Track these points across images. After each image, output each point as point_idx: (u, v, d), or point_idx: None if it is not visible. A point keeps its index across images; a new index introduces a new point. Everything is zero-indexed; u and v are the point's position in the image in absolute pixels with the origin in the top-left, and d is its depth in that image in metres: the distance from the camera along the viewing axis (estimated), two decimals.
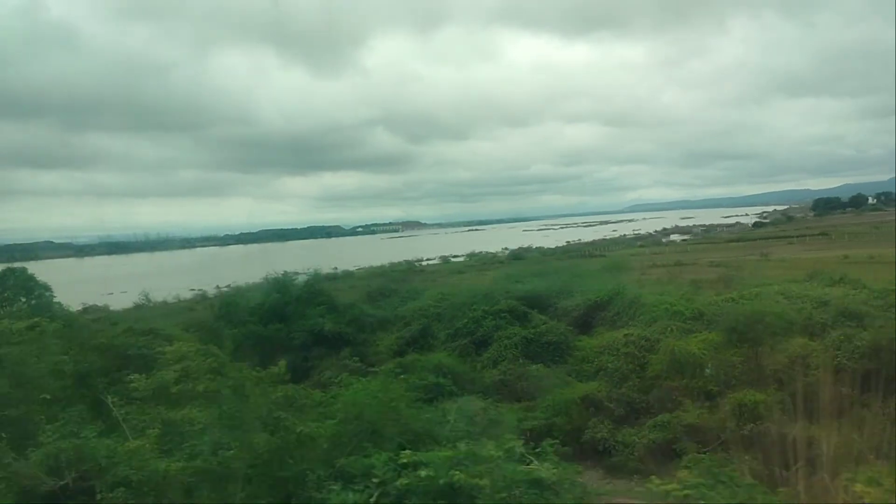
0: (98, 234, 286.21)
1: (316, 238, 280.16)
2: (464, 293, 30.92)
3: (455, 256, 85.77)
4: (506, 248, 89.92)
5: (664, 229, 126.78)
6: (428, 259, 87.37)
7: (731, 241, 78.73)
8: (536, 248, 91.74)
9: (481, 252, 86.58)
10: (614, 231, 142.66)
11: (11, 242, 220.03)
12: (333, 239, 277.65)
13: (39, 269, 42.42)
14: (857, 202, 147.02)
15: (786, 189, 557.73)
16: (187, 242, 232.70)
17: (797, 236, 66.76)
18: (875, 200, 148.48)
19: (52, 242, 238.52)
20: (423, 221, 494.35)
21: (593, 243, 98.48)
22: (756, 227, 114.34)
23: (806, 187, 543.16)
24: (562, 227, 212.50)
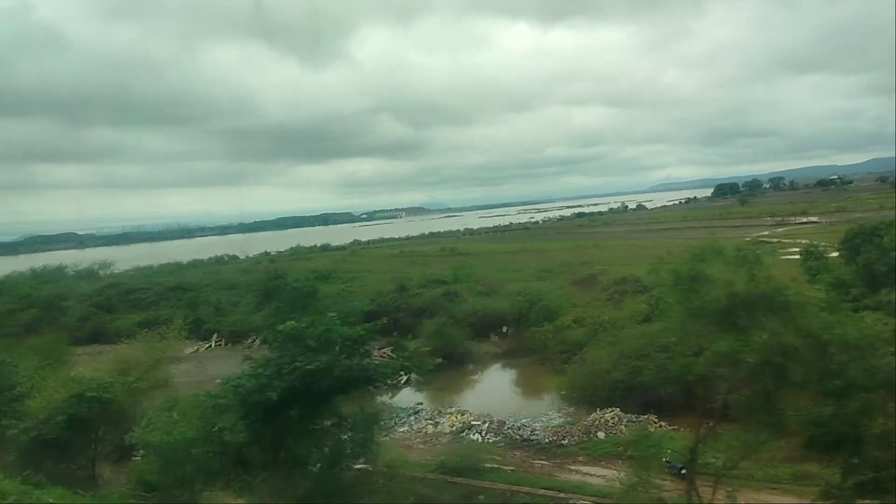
0: (123, 224, 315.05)
1: (314, 226, 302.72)
2: None
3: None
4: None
5: (562, 216, 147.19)
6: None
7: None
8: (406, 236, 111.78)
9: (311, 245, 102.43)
10: (531, 218, 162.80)
11: (37, 234, 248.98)
12: (331, 227, 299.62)
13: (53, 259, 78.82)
14: (752, 186, 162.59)
15: (813, 165, 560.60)
16: (188, 232, 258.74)
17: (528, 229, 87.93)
18: (769, 186, 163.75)
19: (75, 234, 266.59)
20: (426, 207, 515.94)
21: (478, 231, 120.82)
22: (579, 217, 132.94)
23: (832, 163, 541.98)
24: (518, 213, 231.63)
